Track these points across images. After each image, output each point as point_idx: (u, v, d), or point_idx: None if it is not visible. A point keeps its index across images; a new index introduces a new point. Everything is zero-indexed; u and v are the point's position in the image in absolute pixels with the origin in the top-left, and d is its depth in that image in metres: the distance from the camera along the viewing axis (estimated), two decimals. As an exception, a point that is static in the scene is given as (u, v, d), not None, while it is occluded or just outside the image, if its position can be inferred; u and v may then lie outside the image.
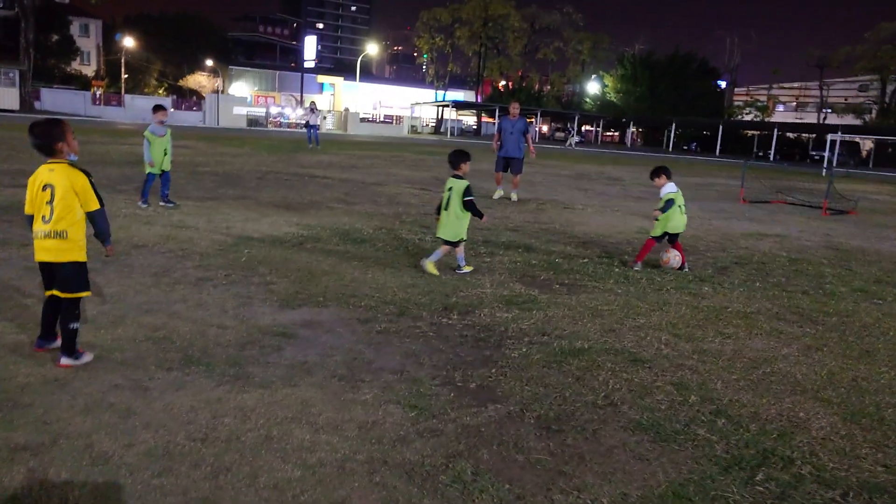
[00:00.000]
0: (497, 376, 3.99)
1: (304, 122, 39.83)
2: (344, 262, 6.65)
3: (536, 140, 53.43)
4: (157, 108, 9.61)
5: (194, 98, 64.14)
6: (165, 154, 9.34)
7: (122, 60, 65.95)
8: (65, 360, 3.73)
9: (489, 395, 3.73)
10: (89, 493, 2.55)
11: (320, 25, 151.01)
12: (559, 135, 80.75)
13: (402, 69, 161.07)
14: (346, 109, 59.64)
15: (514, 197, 12.98)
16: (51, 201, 3.66)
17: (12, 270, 5.56)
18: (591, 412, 3.59)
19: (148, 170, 9.25)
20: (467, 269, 6.61)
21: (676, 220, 7.21)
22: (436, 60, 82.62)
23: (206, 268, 6.09)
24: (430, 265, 6.43)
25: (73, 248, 3.71)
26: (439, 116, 73.88)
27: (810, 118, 73.76)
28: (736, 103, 75.57)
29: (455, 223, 6.37)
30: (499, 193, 13.15)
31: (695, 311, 5.73)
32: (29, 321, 4.36)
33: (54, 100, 49.03)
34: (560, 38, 79.84)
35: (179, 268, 6.05)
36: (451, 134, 63.72)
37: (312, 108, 29.18)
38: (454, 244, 6.49)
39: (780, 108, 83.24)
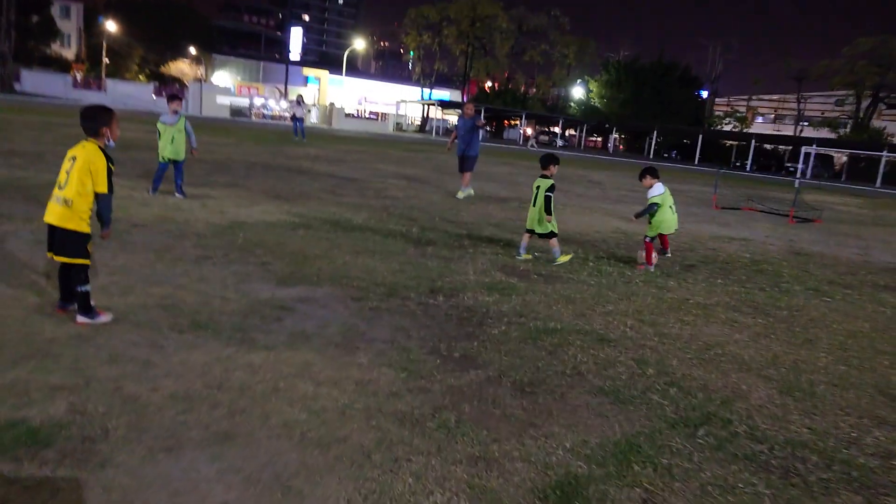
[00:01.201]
0: (478, 348, 4.44)
1: (288, 114, 40.04)
2: (335, 248, 7.05)
3: (535, 146, 54.11)
4: (172, 98, 9.67)
5: (176, 86, 63.84)
6: (172, 142, 9.40)
7: (104, 44, 65.39)
8: (81, 318, 4.13)
9: (471, 363, 4.18)
10: (125, 424, 2.96)
11: (306, 17, 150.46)
12: (543, 138, 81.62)
13: (388, 65, 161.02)
14: (332, 104, 59.78)
15: (460, 195, 12.98)
16: (69, 171, 4.07)
17: (22, 242, 5.89)
18: (560, 379, 4.05)
19: (160, 159, 9.37)
20: (562, 259, 7.50)
21: (668, 221, 7.84)
22: (422, 58, 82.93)
23: (205, 247, 6.46)
24: (561, 258, 7.47)
25: (75, 217, 4.05)
26: (425, 115, 74.28)
27: (788, 130, 75.36)
28: (716, 113, 76.95)
29: (541, 216, 7.28)
30: (467, 192, 13.16)
31: (659, 302, 6.23)
32: (46, 286, 4.72)
33: (35, 82, 48.67)
34: (546, 41, 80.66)
35: (179, 246, 6.41)
36: (436, 133, 64.13)
37: (299, 101, 29.42)
38: (546, 236, 7.41)
39: (759, 119, 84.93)
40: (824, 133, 64.31)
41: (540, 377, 4.05)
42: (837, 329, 5.94)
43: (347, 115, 59.72)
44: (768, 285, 7.51)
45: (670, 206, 7.80)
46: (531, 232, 7.49)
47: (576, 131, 79.98)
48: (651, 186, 7.81)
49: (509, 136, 79.97)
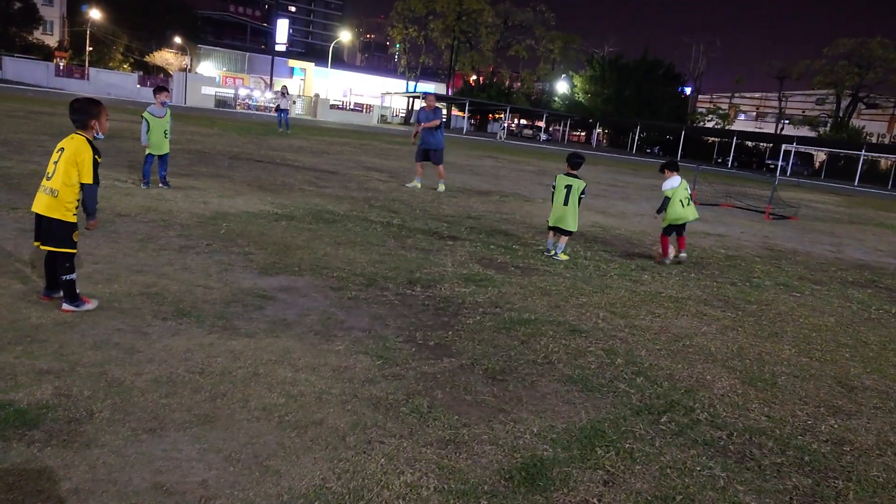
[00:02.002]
0: (453, 337, 4.59)
1: (273, 105, 39.89)
2: (316, 239, 7.16)
3: (504, 138, 54.20)
4: (160, 90, 9.50)
5: (161, 75, 63.29)
6: (166, 136, 9.34)
7: (87, 32, 64.61)
8: (66, 306, 4.23)
9: (445, 351, 4.32)
10: (110, 407, 3.07)
11: (292, 8, 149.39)
12: (527, 132, 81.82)
13: (374, 58, 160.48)
14: (317, 95, 59.57)
15: (440, 188, 13.03)
16: (56, 162, 4.19)
17: (7, 231, 5.95)
18: (531, 368, 4.21)
19: (146, 151, 9.27)
20: (564, 257, 7.62)
21: (677, 213, 8.01)
22: (408, 51, 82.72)
23: (188, 237, 6.55)
24: (562, 255, 7.61)
25: (60, 207, 4.16)
26: (409, 107, 74.18)
27: (769, 128, 76.18)
28: (699, 110, 77.58)
29: (573, 215, 7.50)
30: (414, 184, 13.13)
31: (632, 295, 6.41)
32: (31, 274, 4.80)
33: (16, 69, 48.11)
34: (532, 36, 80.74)
35: (163, 236, 6.49)
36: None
37: (283, 93, 29.35)
38: (568, 233, 7.60)
39: (742, 116, 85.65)
40: (805, 131, 65.20)
41: (511, 365, 4.20)
42: (803, 323, 6.15)
43: (332, 107, 59.53)
44: (740, 280, 7.73)
45: (681, 200, 8.00)
46: (556, 229, 7.62)
47: (559, 126, 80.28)
48: (666, 180, 8.13)
49: (493, 130, 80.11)
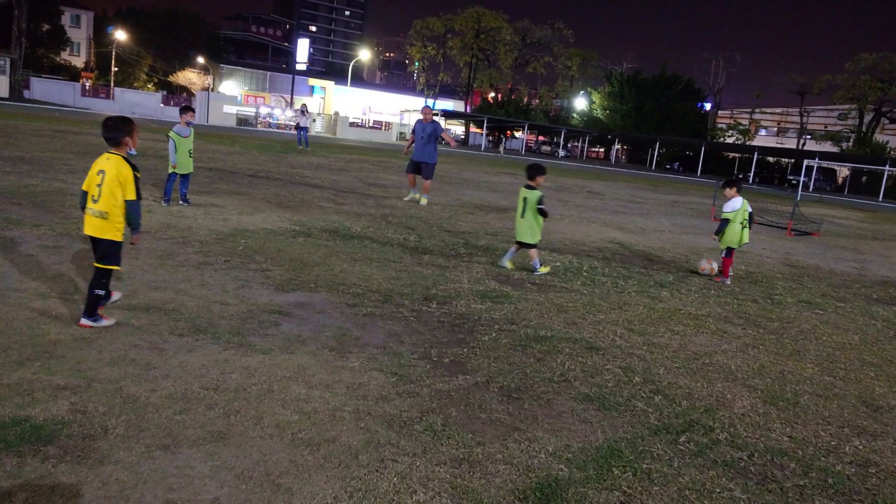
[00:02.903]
0: (468, 354, 4.56)
1: (293, 123, 40.33)
2: (333, 256, 7.18)
3: (508, 147, 54.12)
4: (186, 110, 9.57)
5: (184, 94, 64.34)
6: (190, 155, 9.39)
7: (113, 53, 65.97)
8: (84, 321, 4.27)
9: (460, 368, 4.29)
10: (124, 423, 3.08)
11: (313, 28, 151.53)
12: (545, 148, 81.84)
13: (392, 76, 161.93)
14: (336, 113, 60.13)
15: (423, 201, 12.86)
16: (100, 185, 4.26)
17: (29, 248, 6.04)
18: (547, 385, 4.17)
19: (171, 169, 9.31)
20: (543, 269, 7.50)
21: (737, 236, 8.12)
22: (427, 69, 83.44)
23: (206, 254, 6.60)
24: (508, 262, 7.51)
25: (111, 228, 4.30)
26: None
27: (791, 143, 75.48)
28: (719, 125, 77.12)
29: (530, 228, 7.35)
30: (410, 196, 13.12)
31: (651, 312, 6.34)
32: (52, 290, 4.86)
33: (44, 89, 49.13)
34: (550, 53, 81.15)
35: (181, 253, 6.55)
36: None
37: (303, 111, 29.67)
38: (529, 247, 7.45)
39: (762, 132, 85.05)
40: (827, 146, 64.44)
41: (527, 383, 4.16)
42: (827, 341, 6.03)
43: (352, 125, 60.05)
44: (761, 297, 7.61)
45: (740, 222, 8.08)
46: (520, 243, 7.53)
47: (578, 142, 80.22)
48: (730, 199, 8.13)
49: (511, 147, 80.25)
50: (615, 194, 22.09)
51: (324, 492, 2.74)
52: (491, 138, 68.69)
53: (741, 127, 74.18)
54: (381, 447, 3.14)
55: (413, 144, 13.29)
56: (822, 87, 67.10)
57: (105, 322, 4.32)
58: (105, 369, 3.64)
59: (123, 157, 4.34)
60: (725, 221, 8.07)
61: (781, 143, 77.87)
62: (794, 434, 3.88)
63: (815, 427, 4.02)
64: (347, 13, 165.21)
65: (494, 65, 79.88)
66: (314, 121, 51.52)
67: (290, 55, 75.01)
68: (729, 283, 8.16)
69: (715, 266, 8.41)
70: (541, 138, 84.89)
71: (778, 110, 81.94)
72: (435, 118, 13.38)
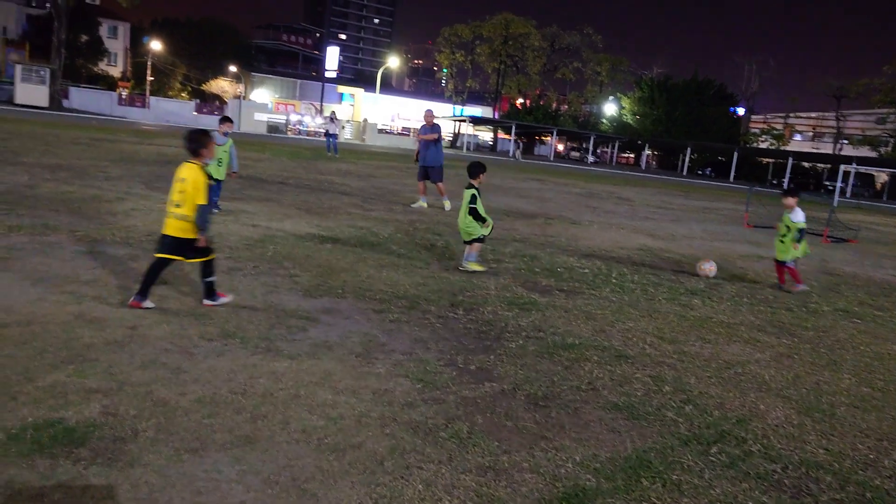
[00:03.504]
0: (495, 361, 4.53)
1: (322, 130, 40.73)
2: (360, 262, 7.21)
3: (526, 152, 53.79)
4: (224, 120, 9.75)
5: (216, 102, 65.36)
6: (219, 164, 9.38)
7: (149, 63, 67.35)
8: (207, 301, 5.02)
9: (486, 375, 4.27)
10: (154, 426, 3.12)
11: (343, 36, 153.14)
12: (574, 154, 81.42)
13: (421, 82, 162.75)
14: (365, 120, 60.58)
15: (446, 206, 12.81)
16: (182, 191, 4.79)
17: (66, 253, 6.17)
18: (574, 394, 4.12)
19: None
20: (474, 266, 7.36)
21: (806, 247, 8.13)
22: (455, 76, 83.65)
23: (236, 259, 6.68)
24: (470, 265, 7.36)
25: (193, 228, 4.82)
26: (456, 131, 74.78)
27: (827, 148, 73.98)
28: (752, 130, 75.94)
29: (470, 226, 7.26)
30: (418, 203, 12.94)
31: (681, 320, 6.24)
32: (86, 294, 4.95)
33: (82, 99, 50.30)
34: (579, 59, 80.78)
35: (212, 258, 6.63)
36: (467, 149, 64.48)
37: (332, 118, 29.95)
38: (472, 241, 7.34)
39: (797, 137, 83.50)
40: (865, 151, 63.03)
41: (554, 391, 4.12)
42: (865, 351, 5.88)
43: (380, 131, 60.45)
44: (796, 305, 7.45)
45: (780, 237, 8.15)
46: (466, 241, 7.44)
47: (608, 148, 79.65)
48: (792, 209, 8.10)
49: (540, 152, 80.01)
50: (645, 200, 21.87)
51: (349, 498, 2.73)
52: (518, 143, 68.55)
53: (775, 132, 72.96)
54: (406, 454, 3.13)
55: (419, 150, 13.24)
56: (859, 91, 65.74)
57: (225, 300, 5.09)
58: (136, 373, 3.69)
59: (200, 167, 4.90)
60: (803, 231, 7.98)
61: (817, 148, 76.31)
62: (830, 446, 3.77)
63: (852, 439, 3.91)
64: (376, 21, 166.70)
65: (523, 71, 79.81)
66: (343, 128, 51.97)
67: (320, 63, 75.84)
68: (803, 288, 8.17)
69: (707, 269, 8.47)
70: (567, 144, 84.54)
71: (813, 114, 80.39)
72: (436, 121, 13.27)
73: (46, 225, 7.21)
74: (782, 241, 8.16)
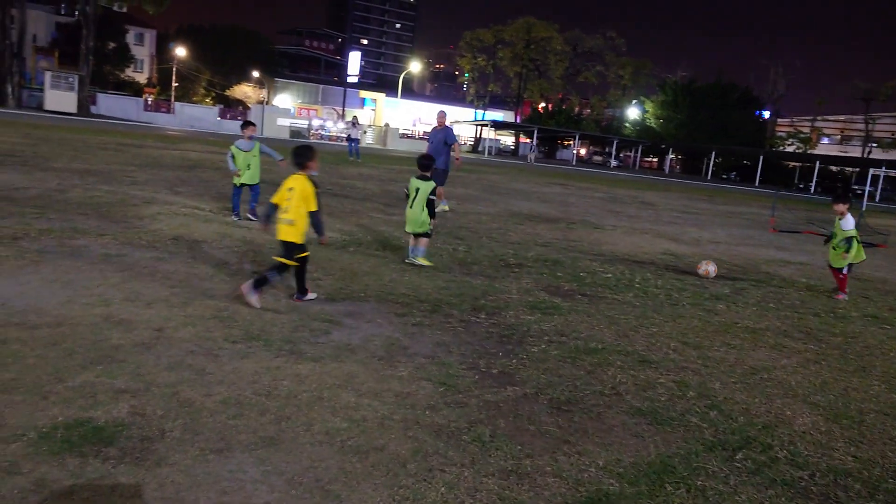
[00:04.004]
0: (517, 366, 4.53)
1: (345, 135, 41.00)
2: (382, 265, 7.24)
3: (540, 155, 53.33)
4: (247, 125, 9.63)
5: (240, 108, 66.08)
6: (249, 168, 9.35)
7: (174, 69, 68.33)
8: (298, 297, 5.54)
9: (509, 379, 4.26)
10: (180, 426, 3.16)
11: (364, 41, 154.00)
12: (597, 158, 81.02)
13: (442, 87, 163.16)
14: (387, 125, 60.82)
15: (445, 208, 12.76)
16: (290, 199, 5.30)
17: (93, 256, 6.27)
18: (597, 398, 4.10)
19: (234, 181, 9.32)
20: (423, 261, 7.46)
21: (861, 252, 8.11)
22: (477, 80, 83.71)
23: (260, 262, 6.74)
24: (421, 260, 7.45)
25: (297, 233, 5.35)
26: (478, 135, 74.82)
27: (855, 152, 72.79)
28: (778, 134, 74.97)
29: (419, 218, 7.34)
30: (440, 208, 12.50)
31: (706, 325, 6.18)
32: (114, 297, 5.03)
33: (109, 105, 51.08)
34: (602, 62, 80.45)
35: (236, 261, 6.71)
36: (489, 153, 64.45)
37: (354, 123, 30.10)
38: (422, 235, 7.46)
39: (825, 140, 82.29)
40: (895, 155, 61.89)
41: (577, 396, 4.10)
42: (895, 357, 5.77)
43: (402, 136, 60.62)
44: (823, 311, 7.34)
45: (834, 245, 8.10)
46: (413, 234, 7.47)
47: (631, 152, 79.14)
48: (844, 215, 8.01)
49: (562, 157, 79.73)
50: (669, 205, 21.69)
51: (372, 499, 2.75)
52: (537, 145, 68.19)
53: (802, 135, 71.98)
54: (429, 457, 3.14)
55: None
56: (888, 93, 64.66)
57: (311, 296, 5.56)
58: (163, 374, 3.75)
59: (307, 177, 5.38)
60: (852, 239, 7.92)
61: (845, 152, 75.13)
62: (859, 454, 3.71)
63: (881, 447, 3.84)
64: (398, 26, 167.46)
65: (545, 75, 79.65)
66: (365, 132, 52.24)
67: (342, 68, 76.32)
68: (846, 297, 8.10)
69: (711, 269, 8.52)
70: (590, 148, 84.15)
71: (841, 117, 79.21)
72: (448, 125, 13.02)
73: (75, 228, 7.34)
74: (835, 249, 8.08)
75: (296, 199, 5.28)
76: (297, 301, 5.49)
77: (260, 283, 5.25)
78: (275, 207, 5.45)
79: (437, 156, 12.63)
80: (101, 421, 3.14)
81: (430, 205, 7.32)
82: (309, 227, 5.45)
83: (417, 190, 7.40)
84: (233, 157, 9.26)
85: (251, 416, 3.34)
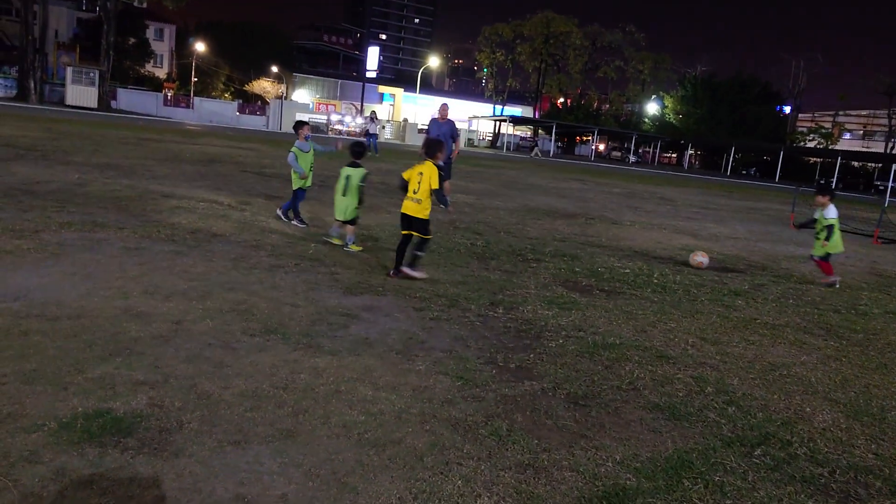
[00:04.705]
0: (535, 360, 4.51)
1: (363, 130, 41.10)
2: (400, 260, 7.24)
3: (539, 156, 52.94)
4: (301, 125, 9.26)
5: (258, 103, 66.42)
6: (310, 170, 9.04)
7: (193, 64, 68.80)
8: (406, 269, 6.43)
9: (526, 374, 4.25)
10: (198, 418, 3.19)
11: (383, 36, 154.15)
12: (616, 154, 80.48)
13: (461, 82, 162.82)
14: (405, 120, 60.85)
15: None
16: (420, 182, 6.35)
17: (113, 249, 6.34)
18: (615, 393, 4.08)
19: (297, 184, 8.91)
20: (355, 248, 7.64)
21: (840, 243, 8.23)
22: (495, 75, 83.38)
23: (278, 257, 6.78)
24: (352, 246, 7.61)
25: (424, 210, 6.36)
26: (496, 130, 74.63)
27: (878, 147, 71.65)
28: (799, 129, 73.98)
29: (349, 206, 7.48)
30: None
31: (724, 321, 6.12)
32: (133, 289, 5.09)
33: (129, 100, 51.58)
34: (621, 57, 79.78)
35: (254, 256, 6.75)
36: (508, 148, 64.25)
37: (372, 118, 30.17)
38: (349, 222, 7.60)
39: (847, 135, 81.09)
40: (919, 150, 60.86)
41: (595, 390, 4.08)
42: (917, 354, 5.68)
43: (420, 131, 60.58)
44: (844, 307, 7.24)
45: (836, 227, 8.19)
46: (345, 222, 7.59)
47: (650, 148, 78.51)
48: (826, 206, 8.21)
49: (581, 152, 79.32)
50: (687, 200, 21.50)
51: (388, 492, 2.75)
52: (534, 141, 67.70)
53: (823, 130, 70.95)
54: (445, 450, 3.14)
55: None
56: (913, 88, 63.48)
57: (420, 274, 6.39)
58: (181, 366, 3.78)
59: (434, 164, 6.44)
60: (831, 227, 8.10)
61: (868, 147, 74.00)
62: (880, 451, 3.66)
63: (904, 445, 3.78)
64: (417, 21, 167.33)
65: (564, 70, 79.16)
66: (383, 128, 52.31)
67: (361, 63, 76.49)
68: (837, 283, 8.26)
69: (704, 261, 8.67)
70: (609, 144, 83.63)
71: (864, 112, 77.96)
72: (450, 118, 12.81)
73: (95, 222, 7.42)
74: (818, 238, 8.24)
75: (424, 182, 6.32)
76: (391, 276, 6.40)
77: (415, 260, 6.43)
78: (405, 183, 6.49)
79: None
80: (120, 412, 3.17)
81: (361, 192, 7.49)
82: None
83: (348, 178, 7.48)
84: (297, 158, 8.84)
85: (268, 409, 3.36)
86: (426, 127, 14.22)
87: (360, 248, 7.69)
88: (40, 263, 5.55)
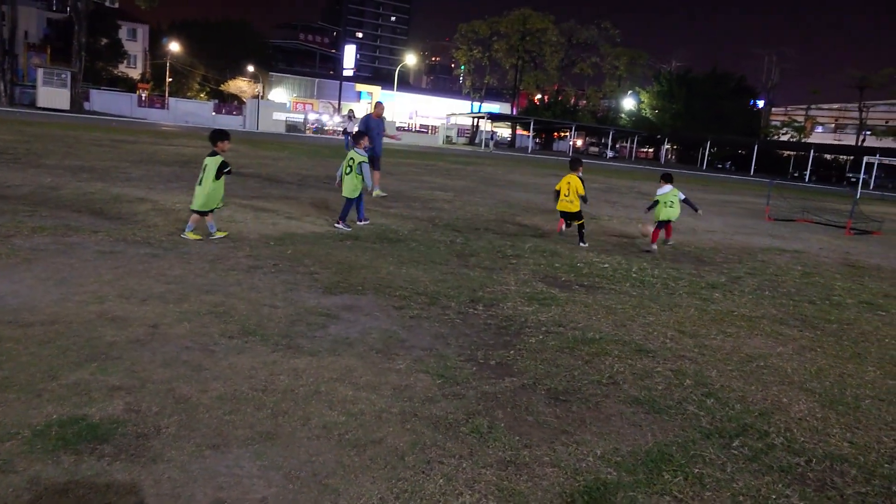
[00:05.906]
0: (515, 357, 4.52)
1: (341, 129, 40.90)
2: (380, 259, 7.23)
3: (493, 149, 53.31)
4: (361, 135, 9.37)
5: (235, 102, 65.80)
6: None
7: (167, 64, 67.98)
8: (583, 245, 9.17)
9: (507, 370, 4.26)
10: (176, 423, 3.15)
11: (360, 34, 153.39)
12: (593, 149, 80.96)
13: (439, 80, 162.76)
14: (383, 118, 60.65)
15: (380, 192, 13.40)
16: (569, 191, 9.23)
17: (87, 253, 6.25)
18: (595, 388, 4.10)
19: (358, 192, 9.00)
20: (219, 234, 7.58)
21: (662, 213, 9.80)
22: (473, 72, 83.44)
23: (256, 258, 6.72)
24: (189, 234, 7.39)
25: (574, 207, 9.27)
26: (474, 127, 74.70)
27: (849, 140, 72.86)
28: (773, 123, 74.97)
29: (208, 195, 7.36)
30: (377, 192, 13.30)
31: (702, 314, 6.18)
32: (108, 294, 5.01)
33: (102, 101, 50.84)
34: (597, 53, 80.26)
35: (232, 257, 6.69)
36: (486, 145, 64.33)
37: (350, 116, 29.99)
38: (206, 213, 7.48)
39: (819, 129, 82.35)
40: (889, 142, 61.99)
41: (575, 386, 4.10)
42: (890, 343, 5.79)
43: (399, 129, 60.46)
44: (818, 298, 7.35)
45: (664, 203, 9.77)
46: (198, 212, 7.45)
47: (626, 142, 79.08)
48: (660, 188, 9.97)
49: (559, 148, 79.66)
50: (665, 194, 21.67)
51: (370, 493, 2.74)
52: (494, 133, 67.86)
53: (796, 124, 71.99)
54: (427, 449, 3.14)
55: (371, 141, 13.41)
56: (882, 81, 64.71)
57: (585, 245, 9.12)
58: (158, 370, 3.73)
59: (578, 176, 9.29)
60: (655, 202, 9.89)
61: (839, 140, 75.20)
62: (854, 440, 3.72)
63: (877, 432, 3.85)
64: (393, 19, 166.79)
65: (540, 66, 79.42)
66: (361, 126, 51.98)
67: (338, 62, 76.13)
68: (655, 248, 9.64)
69: (650, 229, 10.03)
70: (586, 139, 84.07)
71: (836, 106, 79.25)
72: (384, 116, 14.31)
73: (69, 226, 7.31)
74: (668, 207, 9.83)
75: (573, 189, 9.25)
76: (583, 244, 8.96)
77: (583, 239, 9.31)
78: (557, 193, 9.48)
79: (378, 144, 13.44)
80: (96, 418, 3.12)
81: (219, 175, 7.38)
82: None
83: (206, 167, 7.42)
84: (367, 170, 8.93)
85: (248, 412, 3.33)
86: (403, 125, 15.14)
87: (226, 233, 7.66)
88: (12, 269, 5.46)
